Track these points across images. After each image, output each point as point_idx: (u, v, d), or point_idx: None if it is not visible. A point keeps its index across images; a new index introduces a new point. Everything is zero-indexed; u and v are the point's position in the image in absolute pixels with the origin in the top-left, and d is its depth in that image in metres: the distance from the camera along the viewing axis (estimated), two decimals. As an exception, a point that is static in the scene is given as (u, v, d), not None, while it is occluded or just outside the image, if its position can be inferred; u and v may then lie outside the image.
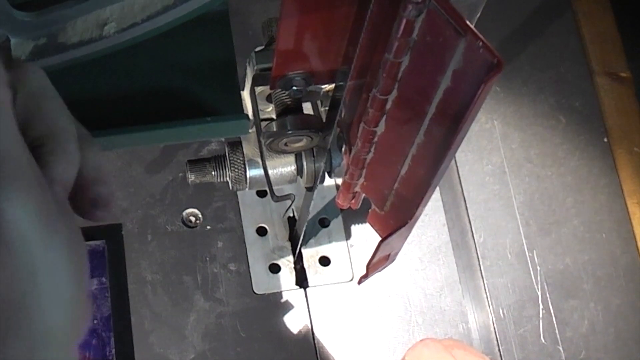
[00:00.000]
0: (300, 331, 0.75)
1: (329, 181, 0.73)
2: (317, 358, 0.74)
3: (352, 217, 0.78)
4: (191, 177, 0.64)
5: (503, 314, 0.77)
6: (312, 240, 0.77)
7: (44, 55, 0.42)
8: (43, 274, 0.29)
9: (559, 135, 0.84)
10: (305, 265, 0.76)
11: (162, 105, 0.49)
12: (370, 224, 0.59)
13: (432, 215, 0.80)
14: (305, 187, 0.65)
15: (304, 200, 0.71)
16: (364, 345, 0.75)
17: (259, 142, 0.59)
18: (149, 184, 0.78)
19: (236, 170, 0.63)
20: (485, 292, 0.78)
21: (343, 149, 0.58)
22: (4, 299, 0.27)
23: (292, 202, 0.68)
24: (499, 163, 0.82)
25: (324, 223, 0.78)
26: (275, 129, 0.56)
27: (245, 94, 0.58)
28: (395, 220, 0.55)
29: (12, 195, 0.27)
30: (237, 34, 0.51)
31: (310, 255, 0.77)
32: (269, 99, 0.58)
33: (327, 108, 0.59)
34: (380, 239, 0.53)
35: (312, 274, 0.76)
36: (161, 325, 0.74)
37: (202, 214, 0.77)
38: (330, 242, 0.77)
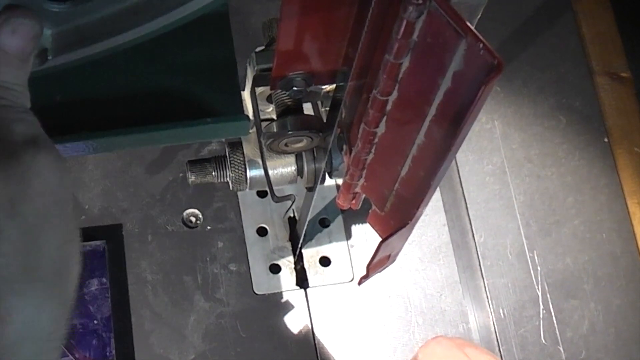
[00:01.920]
0: (300, 331, 0.75)
1: (329, 181, 0.73)
2: (318, 358, 0.74)
3: (353, 217, 0.78)
4: (191, 178, 0.64)
5: (503, 314, 0.77)
6: (312, 241, 0.77)
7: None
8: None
9: (559, 135, 0.84)
10: (306, 266, 0.76)
11: (162, 105, 0.49)
12: (370, 224, 0.59)
13: (432, 216, 0.80)
14: (306, 188, 0.65)
15: (305, 201, 0.71)
16: (365, 346, 0.75)
17: (260, 142, 0.59)
18: (149, 184, 0.78)
19: (236, 170, 0.63)
20: (486, 292, 0.78)
21: (343, 150, 0.58)
22: None
23: (293, 202, 0.68)
24: (500, 163, 0.82)
25: (324, 223, 0.78)
26: (275, 130, 0.56)
27: (246, 95, 0.58)
28: (396, 220, 0.55)
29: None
30: (237, 34, 0.51)
31: (311, 255, 0.77)
32: (269, 99, 0.58)
33: (327, 109, 0.59)
34: (380, 239, 0.53)
35: (313, 274, 0.76)
36: (161, 325, 0.74)
37: (202, 214, 0.77)
38: (330, 242, 0.77)
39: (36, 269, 0.39)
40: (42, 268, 0.39)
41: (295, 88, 0.52)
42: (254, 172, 0.63)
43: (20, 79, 0.43)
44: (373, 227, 0.59)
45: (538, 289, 0.78)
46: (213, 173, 0.63)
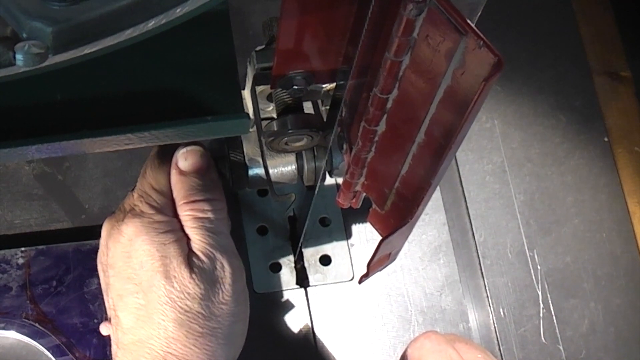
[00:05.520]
0: (300, 330, 0.75)
1: (329, 180, 0.73)
2: (318, 357, 0.74)
3: (353, 216, 0.78)
4: None
5: (503, 313, 0.77)
6: (312, 240, 0.77)
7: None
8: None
9: (559, 134, 0.84)
10: (306, 265, 0.76)
11: (162, 104, 0.49)
12: (371, 223, 0.59)
13: (432, 215, 0.80)
14: (306, 186, 0.65)
15: (305, 200, 0.71)
16: (365, 345, 0.75)
17: (260, 141, 0.59)
18: (149, 184, 0.78)
19: (237, 169, 0.63)
20: (486, 292, 0.78)
21: (344, 148, 0.58)
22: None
23: (293, 201, 0.68)
24: (500, 162, 0.83)
25: (324, 222, 0.78)
26: (276, 128, 0.56)
27: (246, 93, 0.58)
28: (396, 219, 0.55)
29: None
30: (238, 34, 0.51)
31: (311, 254, 0.77)
32: (269, 98, 0.58)
33: (327, 107, 0.59)
34: (380, 238, 0.53)
35: (313, 273, 0.76)
36: (162, 324, 0.74)
37: (202, 214, 0.77)
38: (330, 241, 0.77)
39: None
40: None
41: (295, 87, 0.52)
42: (254, 171, 0.63)
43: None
44: (373, 226, 0.59)
45: (538, 288, 0.79)
46: (213, 172, 0.63)
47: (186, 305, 0.57)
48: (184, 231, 0.60)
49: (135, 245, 0.58)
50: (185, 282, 0.57)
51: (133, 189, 0.62)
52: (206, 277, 0.58)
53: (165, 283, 0.57)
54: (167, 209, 0.59)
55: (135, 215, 0.58)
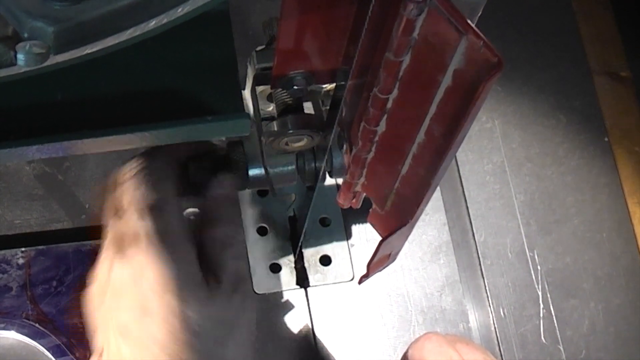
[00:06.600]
0: (300, 331, 0.75)
1: (329, 180, 0.73)
2: (318, 357, 0.74)
3: (353, 216, 0.78)
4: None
5: (503, 313, 0.77)
6: (312, 240, 0.77)
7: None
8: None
9: (559, 134, 0.84)
10: (306, 265, 0.76)
11: (163, 104, 0.49)
12: (371, 223, 0.59)
13: (432, 215, 0.80)
14: (306, 187, 0.65)
15: (305, 200, 0.71)
16: (365, 345, 0.75)
17: (260, 141, 0.59)
18: (149, 184, 0.78)
19: (237, 169, 0.63)
20: (486, 292, 0.78)
21: (344, 149, 0.58)
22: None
23: (293, 201, 0.68)
24: (500, 162, 0.83)
25: (324, 222, 0.78)
26: (276, 128, 0.56)
27: (246, 93, 0.58)
28: (396, 219, 0.55)
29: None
30: (238, 34, 0.51)
31: (311, 254, 0.77)
32: (269, 98, 0.58)
33: (328, 107, 0.59)
34: (381, 238, 0.53)
35: (313, 273, 0.76)
36: (162, 324, 0.74)
37: (202, 214, 0.77)
38: (331, 241, 0.77)
39: None
40: None
41: (295, 87, 0.52)
42: (254, 171, 0.63)
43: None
44: (373, 226, 0.59)
45: (538, 288, 0.79)
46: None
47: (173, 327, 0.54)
48: (193, 250, 0.58)
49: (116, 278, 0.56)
50: (172, 308, 0.54)
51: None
52: (198, 299, 0.55)
53: (154, 314, 0.54)
54: (166, 225, 0.57)
55: (134, 245, 0.56)
